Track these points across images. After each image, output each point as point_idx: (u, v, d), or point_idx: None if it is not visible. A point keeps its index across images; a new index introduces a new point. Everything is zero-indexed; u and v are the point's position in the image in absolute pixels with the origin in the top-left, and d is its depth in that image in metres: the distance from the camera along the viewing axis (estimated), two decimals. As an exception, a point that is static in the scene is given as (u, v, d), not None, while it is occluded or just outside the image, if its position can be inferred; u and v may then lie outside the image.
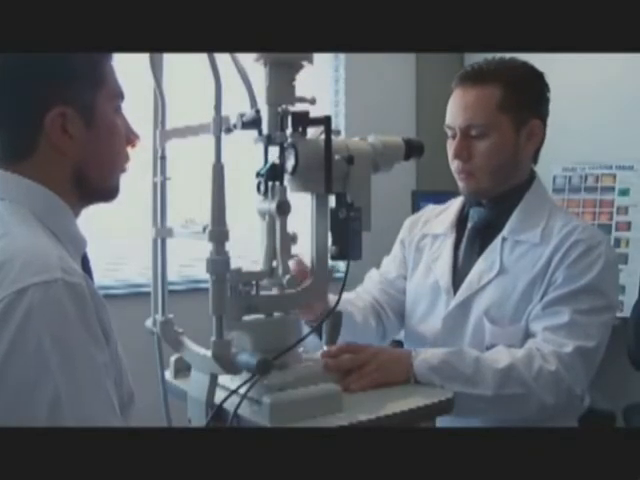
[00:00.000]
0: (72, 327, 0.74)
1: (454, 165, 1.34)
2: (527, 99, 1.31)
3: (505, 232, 1.32)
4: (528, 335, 1.25)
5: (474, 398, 1.12)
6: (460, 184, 1.35)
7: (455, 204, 1.46)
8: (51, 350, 0.71)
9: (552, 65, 2.76)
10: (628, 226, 2.66)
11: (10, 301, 0.72)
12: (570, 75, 2.81)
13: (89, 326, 0.76)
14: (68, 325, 0.74)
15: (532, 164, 1.39)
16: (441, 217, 1.47)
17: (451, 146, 1.34)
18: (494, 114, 1.27)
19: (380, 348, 1.17)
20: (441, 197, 1.55)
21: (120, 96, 0.96)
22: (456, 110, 1.31)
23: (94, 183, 0.93)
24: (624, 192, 2.69)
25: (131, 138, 0.98)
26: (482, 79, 1.29)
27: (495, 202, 1.35)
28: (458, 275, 1.36)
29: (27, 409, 0.71)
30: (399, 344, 1.53)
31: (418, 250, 1.46)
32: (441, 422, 1.26)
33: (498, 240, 1.32)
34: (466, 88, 1.30)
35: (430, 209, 1.55)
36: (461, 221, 1.42)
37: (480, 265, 1.32)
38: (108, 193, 0.96)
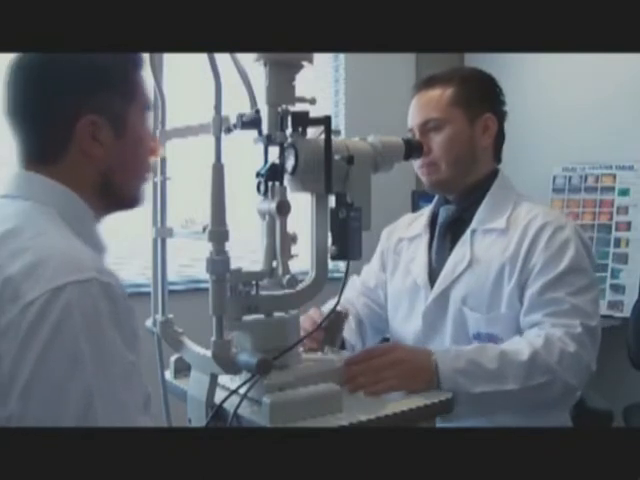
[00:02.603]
0: (105, 325, 0.75)
1: (416, 162, 1.39)
2: (479, 95, 1.39)
3: (474, 224, 1.37)
4: (515, 323, 1.26)
5: (502, 395, 1.13)
6: (423, 179, 1.42)
7: (428, 209, 1.52)
8: (86, 347, 0.73)
9: (552, 65, 2.77)
10: (628, 226, 2.65)
11: (48, 298, 0.73)
12: (570, 75, 2.81)
13: (121, 325, 0.77)
14: (102, 323, 0.75)
15: (495, 162, 1.44)
16: (415, 222, 1.53)
17: None
18: (447, 109, 1.36)
19: (403, 355, 1.13)
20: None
21: (149, 107, 0.97)
22: (414, 112, 1.41)
23: (119, 190, 0.94)
24: (624, 192, 2.68)
25: (153, 147, 1.00)
26: (435, 83, 1.39)
27: (461, 198, 1.41)
28: (434, 271, 1.40)
29: (61, 403, 0.72)
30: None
31: (396, 253, 1.52)
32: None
33: (468, 233, 1.37)
34: (421, 93, 1.40)
35: (405, 217, 1.61)
36: (434, 222, 1.46)
37: (453, 258, 1.36)
38: (131, 201, 0.98)
